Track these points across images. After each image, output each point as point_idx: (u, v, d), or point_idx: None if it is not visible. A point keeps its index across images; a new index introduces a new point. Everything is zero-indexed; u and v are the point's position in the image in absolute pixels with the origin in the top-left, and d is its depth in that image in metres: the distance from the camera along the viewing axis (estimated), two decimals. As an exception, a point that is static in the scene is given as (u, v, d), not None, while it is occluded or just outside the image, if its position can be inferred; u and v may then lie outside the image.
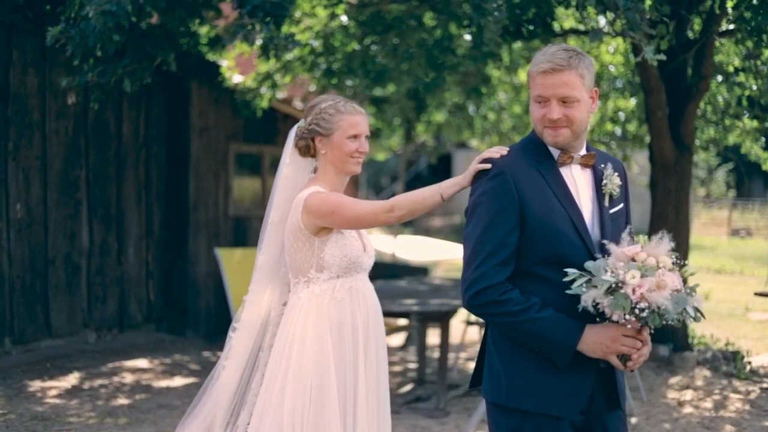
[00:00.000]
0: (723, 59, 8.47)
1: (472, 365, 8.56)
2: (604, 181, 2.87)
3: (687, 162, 8.06)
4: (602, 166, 2.90)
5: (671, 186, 7.99)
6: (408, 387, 7.57)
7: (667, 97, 7.68)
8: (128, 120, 8.94)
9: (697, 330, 9.15)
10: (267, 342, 3.50)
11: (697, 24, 7.72)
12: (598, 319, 2.69)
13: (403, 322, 7.46)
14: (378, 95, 10.84)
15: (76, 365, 7.63)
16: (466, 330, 8.72)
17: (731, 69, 8.42)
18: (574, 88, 2.76)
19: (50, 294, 8.04)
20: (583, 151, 2.90)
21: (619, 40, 8.71)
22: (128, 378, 7.42)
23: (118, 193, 8.85)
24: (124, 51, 6.76)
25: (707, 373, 7.89)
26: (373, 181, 28.91)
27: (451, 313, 7.03)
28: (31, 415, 6.12)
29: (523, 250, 2.75)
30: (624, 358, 2.72)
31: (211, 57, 8.98)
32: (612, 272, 2.62)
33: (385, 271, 11.30)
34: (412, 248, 18.65)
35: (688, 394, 7.17)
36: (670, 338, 8.08)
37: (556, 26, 7.80)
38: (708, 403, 6.89)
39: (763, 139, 9.27)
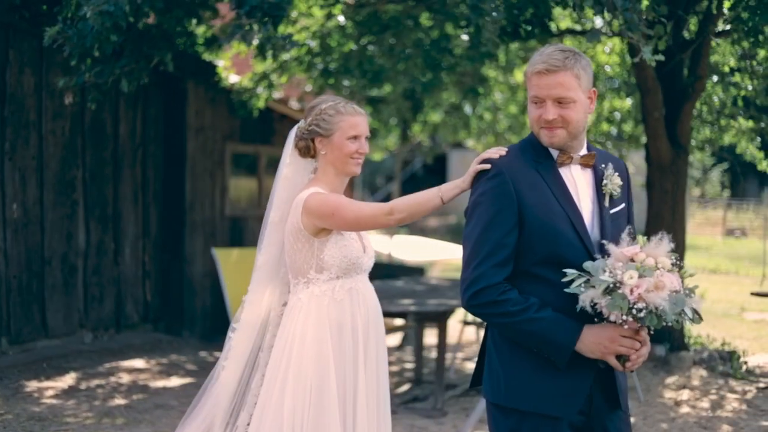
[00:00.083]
0: (718, 59, 8.49)
1: (469, 365, 8.57)
2: (605, 182, 2.87)
3: (683, 162, 8.09)
4: (603, 166, 2.90)
5: (668, 186, 8.01)
6: (405, 387, 7.58)
7: (664, 98, 7.70)
8: (125, 120, 8.93)
9: (694, 330, 9.17)
10: (267, 342, 3.50)
11: (693, 24, 7.74)
12: (596, 319, 2.70)
13: (399, 322, 7.47)
14: (374, 95, 10.85)
15: (72, 365, 7.62)
16: (463, 330, 8.73)
17: (726, 69, 8.44)
18: (569, 88, 2.76)
19: (47, 294, 8.03)
20: (584, 151, 2.90)
21: (615, 40, 8.73)
22: (125, 378, 7.41)
23: (115, 193, 8.84)
24: (121, 51, 6.76)
25: (704, 372, 7.91)
26: (369, 181, 28.89)
27: (448, 313, 7.04)
28: (28, 416, 6.11)
29: (522, 250, 2.75)
30: (623, 358, 2.72)
31: (207, 57, 8.98)
32: (610, 272, 2.62)
33: (381, 272, 11.30)
34: (408, 248, 18.65)
35: (685, 394, 7.18)
36: (667, 338, 8.10)
37: (552, 26, 7.82)
38: (705, 403, 6.91)
39: (759, 139, 9.30)
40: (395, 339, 9.77)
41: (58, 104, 7.98)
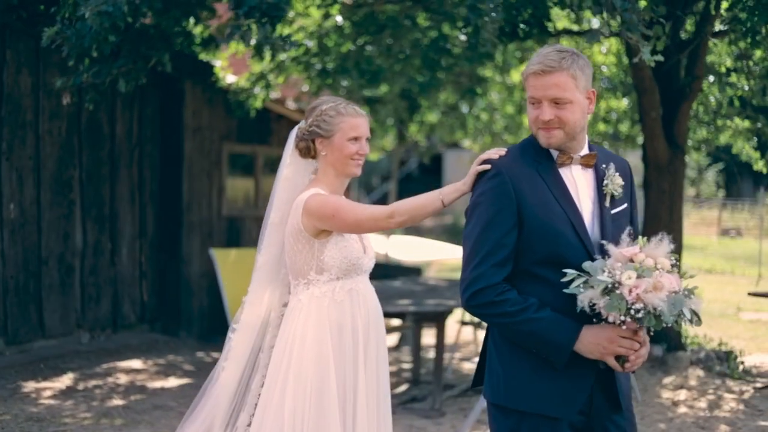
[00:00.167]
0: (715, 60, 8.50)
1: (467, 365, 8.58)
2: (605, 182, 2.86)
3: (680, 162, 8.10)
4: (604, 166, 2.89)
5: (665, 186, 8.02)
6: (403, 387, 7.58)
7: (661, 98, 7.71)
8: (122, 120, 8.91)
9: (690, 330, 9.19)
10: (267, 343, 3.49)
11: (690, 24, 7.75)
12: (594, 320, 2.69)
13: (397, 322, 7.46)
14: (371, 95, 10.85)
15: (69, 366, 7.61)
16: (460, 330, 8.73)
17: (723, 69, 8.45)
18: (565, 89, 2.75)
19: (44, 294, 8.02)
20: (585, 151, 2.89)
21: (612, 40, 8.73)
22: (122, 379, 7.40)
23: (112, 194, 8.83)
24: (118, 51, 6.74)
25: (701, 372, 7.93)
26: (365, 181, 28.87)
27: (446, 313, 7.03)
28: (26, 416, 6.10)
29: (522, 250, 2.75)
30: (622, 359, 2.72)
31: (204, 57, 8.97)
32: (609, 273, 2.61)
33: (378, 272, 11.29)
34: (404, 248, 18.65)
35: (683, 394, 7.20)
36: (664, 338, 8.11)
37: (550, 27, 7.83)
38: (702, 403, 6.92)
39: (755, 138, 9.32)
40: (392, 339, 9.77)
41: (54, 104, 7.97)
